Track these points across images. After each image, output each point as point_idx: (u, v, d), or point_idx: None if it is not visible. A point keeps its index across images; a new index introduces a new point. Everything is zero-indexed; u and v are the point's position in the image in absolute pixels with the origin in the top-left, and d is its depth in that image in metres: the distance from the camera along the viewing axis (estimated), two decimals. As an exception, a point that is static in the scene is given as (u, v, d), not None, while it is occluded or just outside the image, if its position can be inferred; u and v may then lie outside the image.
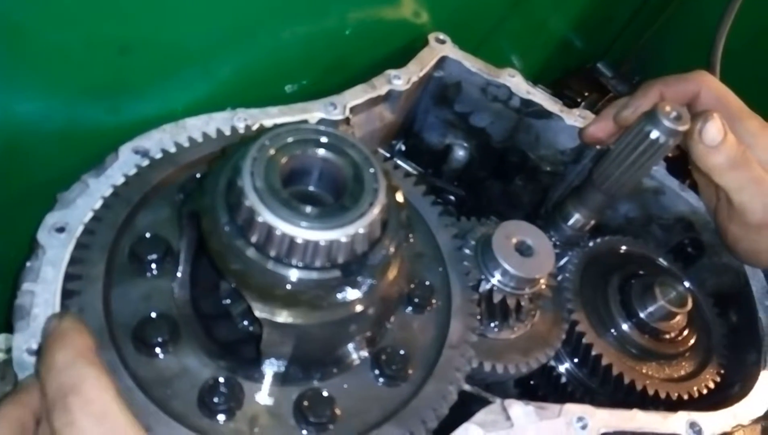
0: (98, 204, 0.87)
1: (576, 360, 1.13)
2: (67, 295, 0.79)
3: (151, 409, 0.71)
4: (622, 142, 1.04)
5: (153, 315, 0.78)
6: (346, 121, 1.12)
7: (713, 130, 1.03)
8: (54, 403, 0.65)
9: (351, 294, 0.74)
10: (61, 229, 0.85)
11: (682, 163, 1.32)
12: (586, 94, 1.96)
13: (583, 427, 0.90)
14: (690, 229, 1.34)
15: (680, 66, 1.28)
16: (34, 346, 0.77)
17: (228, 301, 0.88)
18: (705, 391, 1.13)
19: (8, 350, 0.79)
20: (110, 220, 0.83)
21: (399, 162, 1.41)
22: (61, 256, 0.83)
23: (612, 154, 1.06)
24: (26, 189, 0.98)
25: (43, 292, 0.81)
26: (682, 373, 1.15)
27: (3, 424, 0.67)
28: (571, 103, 1.36)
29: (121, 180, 0.89)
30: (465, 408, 0.88)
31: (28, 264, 0.83)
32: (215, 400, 0.73)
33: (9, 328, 0.80)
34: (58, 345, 0.69)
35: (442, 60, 1.29)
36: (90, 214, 0.86)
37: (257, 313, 0.71)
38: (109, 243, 0.82)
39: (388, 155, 1.39)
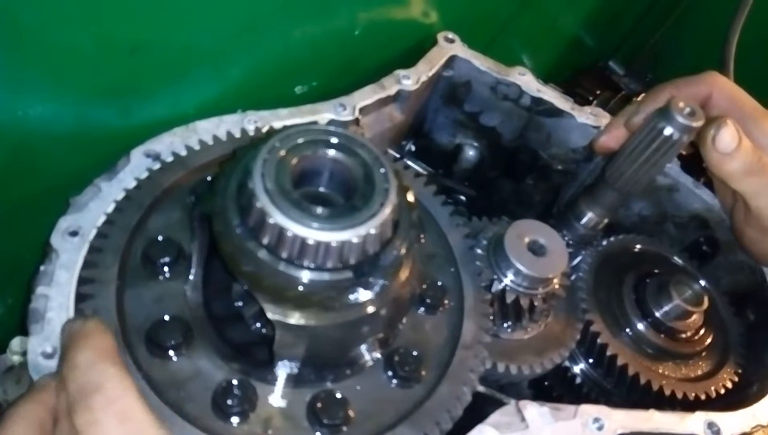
0: (111, 208, 0.88)
1: (591, 360, 1.12)
2: (80, 298, 0.80)
3: (165, 412, 0.71)
4: (636, 139, 1.02)
5: (166, 317, 0.78)
6: (356, 121, 1.12)
7: (727, 136, 1.01)
8: (76, 401, 0.65)
9: (363, 295, 0.73)
10: (74, 233, 0.86)
11: (696, 161, 1.31)
12: (598, 92, 1.95)
13: (600, 428, 0.89)
14: (705, 227, 1.32)
15: (693, 63, 1.26)
16: (49, 350, 0.77)
17: (240, 303, 0.88)
18: (723, 391, 1.11)
19: (24, 353, 0.79)
20: (123, 224, 0.84)
21: (409, 162, 1.40)
22: (75, 260, 0.84)
23: (625, 152, 1.05)
24: (38, 192, 0.98)
25: (57, 295, 0.81)
26: (699, 372, 1.14)
27: (22, 422, 0.67)
28: (582, 102, 1.35)
29: (133, 183, 0.90)
30: (479, 409, 0.87)
31: (41, 268, 0.84)
32: (229, 402, 0.73)
33: (25, 331, 0.81)
34: (82, 345, 0.69)
35: (452, 59, 1.28)
36: (103, 218, 0.87)
37: (269, 315, 0.71)
38: (121, 246, 0.82)
39: (398, 156, 1.39)
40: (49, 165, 0.96)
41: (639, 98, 1.45)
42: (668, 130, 0.96)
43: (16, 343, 0.94)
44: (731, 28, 1.78)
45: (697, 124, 0.96)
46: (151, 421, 0.65)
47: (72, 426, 0.64)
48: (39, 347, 0.77)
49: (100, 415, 0.64)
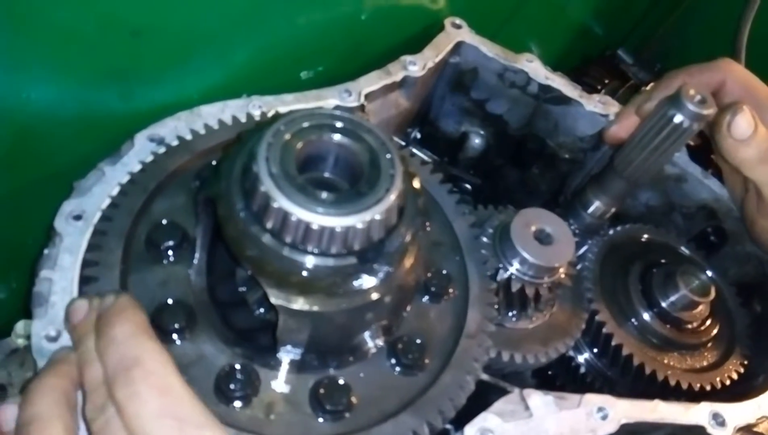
0: (115, 191, 0.87)
1: (596, 350, 1.12)
2: (84, 281, 0.80)
3: (168, 396, 0.70)
4: (645, 127, 1.01)
5: (170, 301, 0.78)
6: (361, 108, 1.11)
7: (743, 123, 1.00)
8: (116, 374, 0.65)
9: (367, 281, 0.73)
10: (78, 217, 0.85)
11: (704, 152, 1.30)
12: (607, 81, 1.92)
13: (604, 418, 0.89)
14: (712, 217, 1.31)
15: (703, 52, 1.24)
16: (53, 333, 0.77)
17: (244, 289, 0.88)
18: (728, 382, 1.10)
19: (28, 336, 0.79)
20: (127, 207, 0.83)
21: (414, 150, 1.39)
22: (79, 244, 0.83)
23: (634, 140, 1.04)
24: (42, 176, 0.98)
25: (60, 279, 0.81)
26: (705, 363, 1.13)
27: (48, 394, 0.67)
28: (591, 91, 1.33)
29: (137, 167, 0.89)
30: (483, 398, 0.87)
31: (45, 251, 0.84)
32: (231, 386, 0.73)
33: (29, 315, 0.81)
34: (118, 319, 0.69)
35: (459, 45, 1.26)
36: (107, 202, 0.86)
37: (273, 300, 0.71)
38: (125, 230, 0.82)
39: (403, 143, 1.38)
40: (52, 149, 0.96)
41: (648, 87, 1.44)
42: (678, 118, 0.95)
43: (20, 326, 0.94)
44: (743, 17, 1.76)
45: (708, 112, 0.95)
46: (189, 394, 0.66)
47: (110, 398, 0.65)
48: (43, 331, 0.77)
49: (141, 388, 0.64)
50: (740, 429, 0.96)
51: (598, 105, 1.28)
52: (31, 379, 0.72)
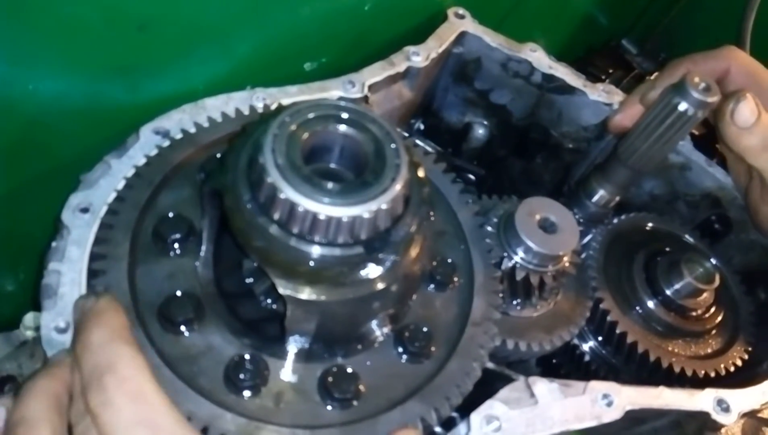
0: (121, 184, 0.88)
1: (600, 338, 1.12)
2: (92, 274, 0.80)
3: (178, 386, 0.71)
4: (650, 115, 1.01)
5: (178, 293, 0.78)
6: (365, 99, 1.11)
7: (746, 110, 1.00)
8: (90, 381, 0.65)
9: (374, 271, 0.73)
10: (85, 210, 0.86)
11: (708, 140, 1.29)
12: (611, 71, 1.91)
13: (609, 405, 0.89)
14: (717, 206, 1.31)
15: (708, 42, 1.24)
16: (62, 325, 0.78)
17: (251, 280, 0.88)
18: (732, 369, 1.11)
19: (37, 328, 0.80)
20: (133, 201, 0.84)
21: (418, 141, 1.39)
22: (86, 236, 0.84)
23: (639, 128, 1.04)
24: (48, 168, 0.99)
25: (69, 271, 0.82)
26: (709, 350, 1.14)
27: (39, 396, 0.68)
28: (595, 81, 1.33)
29: (142, 161, 0.90)
30: (488, 386, 0.88)
31: (53, 244, 0.84)
32: (241, 376, 0.73)
33: (37, 307, 0.81)
34: (94, 324, 0.69)
35: (462, 35, 1.26)
36: (113, 195, 0.87)
37: (281, 290, 0.71)
38: (132, 223, 0.82)
39: (406, 135, 1.38)
40: (59, 142, 0.96)
41: (652, 77, 1.44)
42: (683, 106, 0.95)
43: (29, 318, 0.95)
44: (748, 5, 1.75)
45: (712, 99, 0.95)
46: (163, 400, 0.65)
47: (87, 406, 0.65)
48: (52, 322, 0.78)
49: (114, 395, 0.63)
50: (745, 415, 0.97)
51: (602, 94, 1.28)
52: (26, 379, 0.72)
